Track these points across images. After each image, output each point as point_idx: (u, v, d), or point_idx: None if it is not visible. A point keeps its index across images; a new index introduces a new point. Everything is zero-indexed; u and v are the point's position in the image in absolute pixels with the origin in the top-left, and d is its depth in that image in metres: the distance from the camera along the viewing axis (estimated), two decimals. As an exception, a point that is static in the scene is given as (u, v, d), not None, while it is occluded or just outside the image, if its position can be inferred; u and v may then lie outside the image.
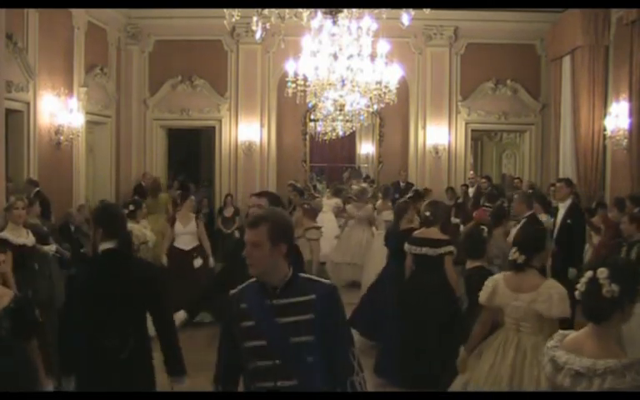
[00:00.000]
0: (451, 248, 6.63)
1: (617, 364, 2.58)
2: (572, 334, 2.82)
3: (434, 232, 6.70)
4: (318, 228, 8.34)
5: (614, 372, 2.56)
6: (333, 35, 8.52)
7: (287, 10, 7.17)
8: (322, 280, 3.03)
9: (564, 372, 2.68)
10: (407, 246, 6.82)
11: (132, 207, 8.47)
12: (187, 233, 8.97)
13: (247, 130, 14.92)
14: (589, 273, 2.71)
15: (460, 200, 13.62)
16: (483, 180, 14.26)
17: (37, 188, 10.32)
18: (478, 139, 18.70)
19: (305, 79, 9.44)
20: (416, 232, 6.95)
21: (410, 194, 9.83)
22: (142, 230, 8.41)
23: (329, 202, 13.55)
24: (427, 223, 6.83)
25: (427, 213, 6.89)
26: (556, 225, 8.37)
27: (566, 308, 4.24)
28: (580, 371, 2.63)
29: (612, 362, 2.59)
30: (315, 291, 2.91)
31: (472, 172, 15.50)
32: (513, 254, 4.46)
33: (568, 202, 8.46)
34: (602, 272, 2.64)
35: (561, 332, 2.90)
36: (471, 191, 14.11)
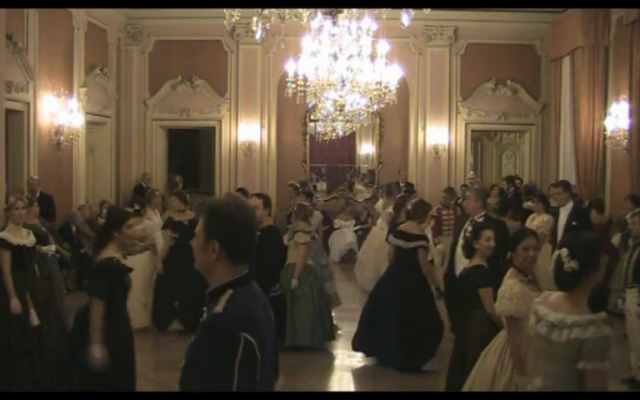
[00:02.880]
0: (422, 243, 7.23)
1: (582, 319, 3.12)
2: (554, 294, 3.33)
3: (411, 227, 7.30)
4: (308, 232, 8.24)
5: (580, 325, 3.09)
6: (333, 35, 8.50)
7: (287, 10, 7.16)
8: (226, 304, 2.30)
9: (542, 323, 3.24)
10: (389, 236, 7.44)
11: (137, 207, 8.59)
12: None
13: (247, 130, 14.92)
14: (555, 253, 3.27)
15: (460, 200, 13.60)
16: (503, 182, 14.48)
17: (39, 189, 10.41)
18: (478, 139, 18.70)
19: (305, 79, 9.43)
20: (400, 225, 7.56)
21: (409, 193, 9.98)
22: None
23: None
24: (408, 217, 7.52)
25: (409, 207, 7.58)
26: (559, 229, 8.32)
27: (503, 307, 4.32)
28: (554, 322, 3.17)
29: (577, 317, 3.13)
30: (210, 311, 2.33)
31: (472, 172, 15.50)
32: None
33: (570, 204, 8.37)
34: (563, 252, 3.19)
35: (547, 292, 3.40)
36: (471, 191, 14.10)
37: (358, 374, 7.43)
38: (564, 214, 8.28)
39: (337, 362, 7.79)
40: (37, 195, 10.19)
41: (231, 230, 2.37)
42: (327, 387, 7.04)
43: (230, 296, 2.32)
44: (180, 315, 8.55)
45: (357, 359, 7.85)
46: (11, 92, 10.19)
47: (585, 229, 8.21)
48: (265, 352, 2.31)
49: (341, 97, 9.92)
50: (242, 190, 12.84)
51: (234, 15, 6.79)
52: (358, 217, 15.00)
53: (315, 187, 16.16)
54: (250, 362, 2.22)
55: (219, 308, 2.28)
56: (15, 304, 5.87)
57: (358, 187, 16.65)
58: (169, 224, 8.93)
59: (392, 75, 9.84)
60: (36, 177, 10.76)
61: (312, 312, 7.90)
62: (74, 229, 11.28)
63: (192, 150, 17.60)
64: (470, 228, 5.32)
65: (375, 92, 9.72)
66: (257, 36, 7.04)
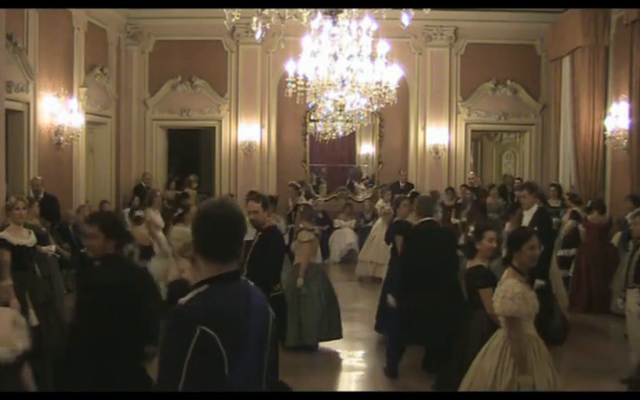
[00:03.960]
0: None
1: None
2: None
3: None
4: (312, 230, 8.25)
5: None
6: (333, 35, 8.49)
7: (287, 10, 7.16)
8: (191, 296, 2.36)
9: None
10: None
11: (138, 213, 8.68)
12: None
13: (247, 130, 14.92)
14: None
15: (460, 200, 13.61)
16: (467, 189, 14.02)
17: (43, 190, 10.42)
18: (478, 139, 18.69)
19: (305, 79, 9.42)
20: None
21: (409, 194, 10.02)
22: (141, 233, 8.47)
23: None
24: None
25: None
26: None
27: (505, 307, 4.29)
28: None
29: None
30: None
31: (472, 172, 15.50)
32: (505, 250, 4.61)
33: (534, 208, 7.76)
34: None
35: None
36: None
37: (359, 374, 7.43)
38: (528, 218, 7.66)
39: (337, 362, 7.79)
40: (41, 196, 10.17)
41: (202, 228, 2.44)
42: (328, 386, 7.03)
43: (202, 290, 2.36)
44: None
45: (358, 359, 7.86)
46: (11, 92, 10.19)
47: (546, 238, 7.89)
48: (243, 350, 2.33)
49: (341, 97, 9.91)
50: (253, 193, 12.85)
51: (234, 15, 6.79)
52: (363, 216, 15.00)
53: (315, 187, 16.15)
54: (206, 356, 2.24)
55: (183, 300, 2.34)
56: (14, 304, 5.86)
57: (358, 186, 16.65)
58: None
59: (392, 75, 9.83)
60: (40, 177, 10.74)
61: (319, 310, 7.89)
62: (71, 229, 11.27)
63: (192, 150, 17.59)
64: (472, 228, 5.32)
65: (375, 92, 9.71)
66: (257, 36, 7.03)
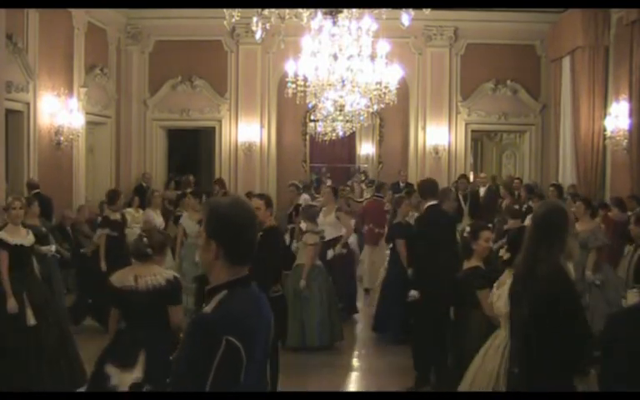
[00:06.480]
0: None
1: None
2: None
3: None
4: (318, 233, 8.22)
5: None
6: (333, 35, 8.50)
7: (287, 10, 7.16)
8: (215, 306, 2.31)
9: None
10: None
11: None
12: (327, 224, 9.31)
13: (247, 130, 14.92)
14: None
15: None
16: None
17: (37, 190, 10.33)
18: (478, 139, 18.69)
19: (305, 79, 9.43)
20: None
21: (404, 193, 10.05)
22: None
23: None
24: None
25: None
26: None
27: (506, 308, 4.27)
28: None
29: None
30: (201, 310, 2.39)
31: (483, 173, 15.44)
32: (505, 252, 4.58)
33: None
34: None
35: None
36: (482, 190, 13.89)
37: (359, 374, 7.43)
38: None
39: (338, 362, 7.79)
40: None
41: (229, 231, 2.37)
42: (328, 386, 7.03)
43: (223, 297, 2.33)
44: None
45: (358, 359, 7.85)
46: (11, 92, 10.19)
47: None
48: (255, 353, 2.32)
49: (341, 97, 9.92)
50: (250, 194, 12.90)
51: (234, 15, 6.79)
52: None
53: (316, 187, 16.13)
54: (230, 365, 2.22)
55: (208, 309, 2.30)
56: (12, 304, 5.87)
57: (359, 186, 16.64)
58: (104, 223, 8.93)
59: (392, 75, 9.84)
60: (35, 179, 10.69)
61: (320, 312, 7.89)
62: (68, 229, 11.24)
63: (192, 150, 17.58)
64: (468, 229, 5.30)
65: (375, 93, 9.72)
66: (257, 36, 7.04)
